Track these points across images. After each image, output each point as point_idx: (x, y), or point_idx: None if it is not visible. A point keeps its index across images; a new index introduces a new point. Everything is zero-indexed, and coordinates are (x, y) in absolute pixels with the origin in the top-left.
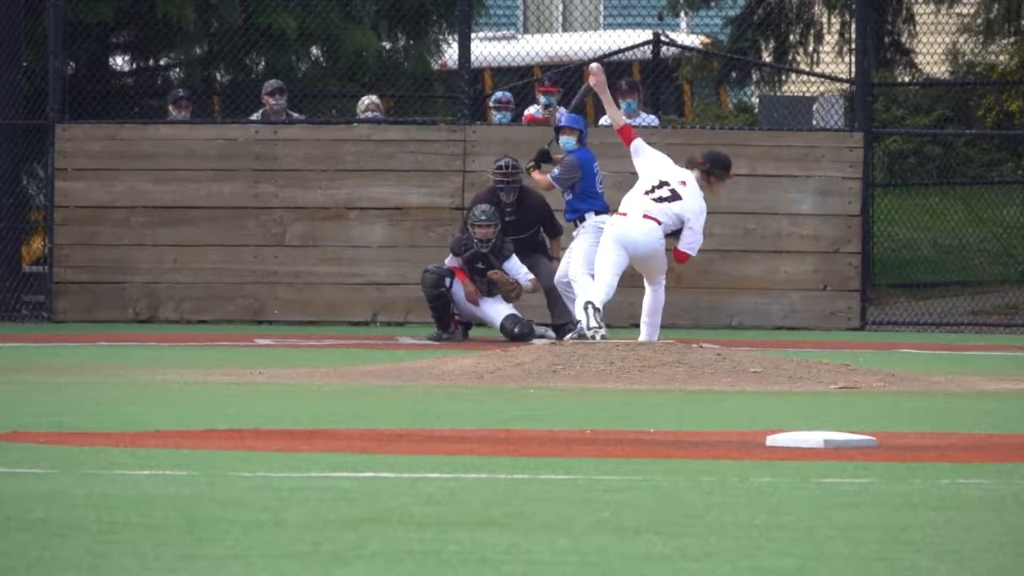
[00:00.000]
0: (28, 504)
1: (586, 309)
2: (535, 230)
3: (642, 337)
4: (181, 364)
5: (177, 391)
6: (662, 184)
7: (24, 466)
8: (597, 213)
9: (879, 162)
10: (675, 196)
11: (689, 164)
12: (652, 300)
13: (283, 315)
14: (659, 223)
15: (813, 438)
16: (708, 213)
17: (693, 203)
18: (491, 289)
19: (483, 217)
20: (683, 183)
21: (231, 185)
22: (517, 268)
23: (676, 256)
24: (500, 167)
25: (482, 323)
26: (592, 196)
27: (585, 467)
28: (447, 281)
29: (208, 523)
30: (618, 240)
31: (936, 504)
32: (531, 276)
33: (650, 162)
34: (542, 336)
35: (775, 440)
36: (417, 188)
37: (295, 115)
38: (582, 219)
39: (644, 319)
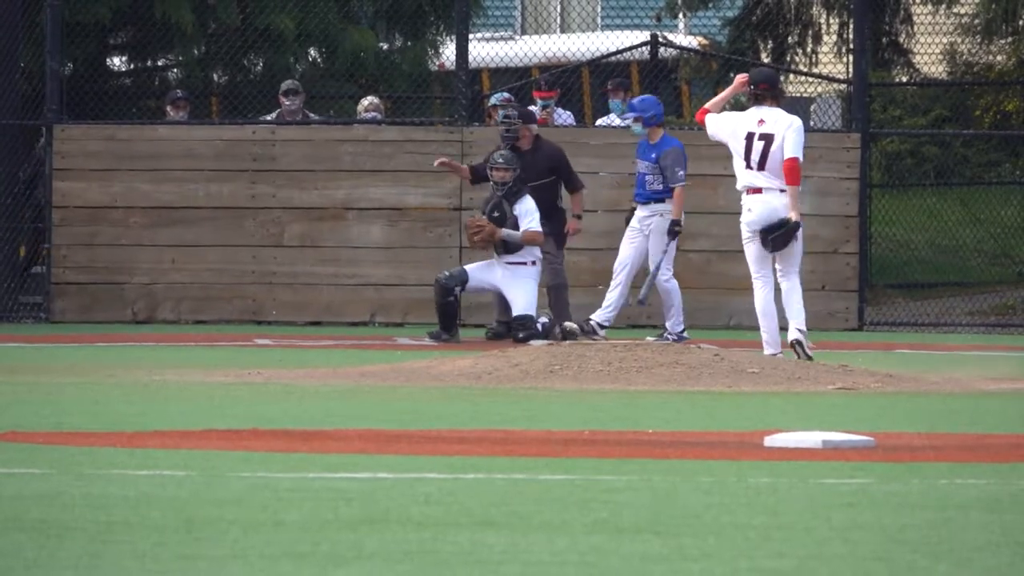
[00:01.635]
0: (26, 504)
1: (794, 347)
2: (549, 181)
3: (790, 335)
4: (179, 364)
5: (175, 391)
6: (748, 141)
7: (22, 466)
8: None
9: (876, 163)
10: (767, 140)
11: (754, 98)
12: (786, 293)
13: (281, 316)
14: (778, 189)
15: (811, 438)
16: (706, 213)
17: (781, 126)
18: (508, 246)
19: (501, 161)
20: (761, 121)
21: (229, 186)
22: (529, 212)
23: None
24: (502, 117)
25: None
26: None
27: (583, 467)
28: (457, 290)
29: (206, 523)
30: (749, 227)
31: (934, 504)
32: (536, 228)
33: (724, 129)
34: (573, 332)
35: (773, 440)
36: (415, 189)
37: (312, 116)
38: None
39: (790, 315)
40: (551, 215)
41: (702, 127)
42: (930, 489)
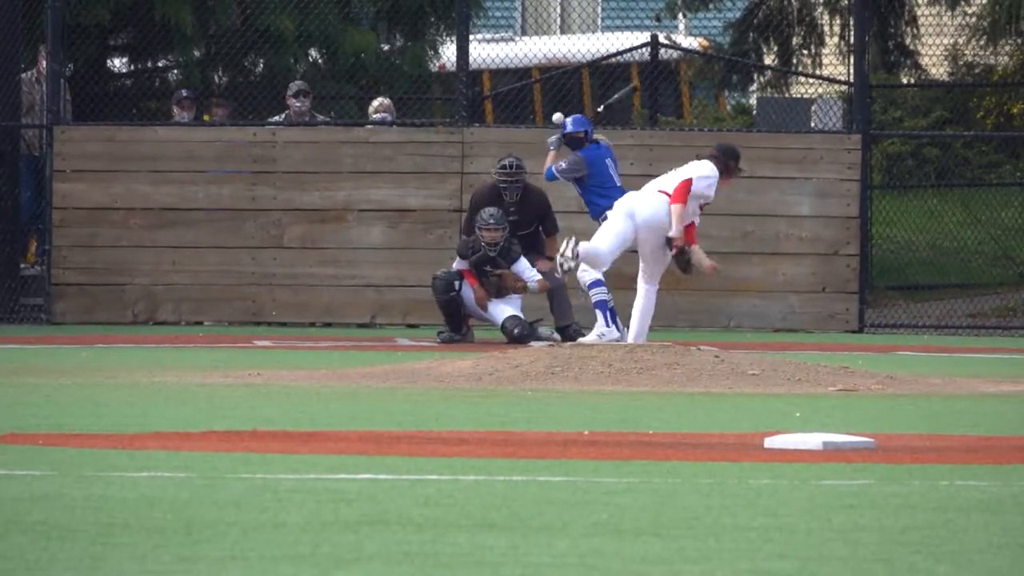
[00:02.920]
0: (27, 506)
1: (570, 252)
2: (536, 226)
3: (629, 339)
4: (180, 366)
5: (175, 393)
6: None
7: (23, 468)
8: None
9: (877, 164)
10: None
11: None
12: (644, 302)
13: (281, 317)
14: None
15: (812, 440)
16: (706, 215)
17: (703, 170)
18: (500, 291)
19: (491, 221)
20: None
21: (229, 187)
22: (525, 269)
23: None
24: (504, 167)
25: (485, 321)
26: (610, 189)
27: (583, 469)
28: (457, 284)
29: (207, 525)
30: (625, 210)
31: (934, 506)
32: (539, 277)
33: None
34: (548, 338)
35: (773, 442)
36: (416, 190)
37: (320, 116)
38: (606, 217)
39: (634, 322)
40: (537, 248)
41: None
42: (931, 491)
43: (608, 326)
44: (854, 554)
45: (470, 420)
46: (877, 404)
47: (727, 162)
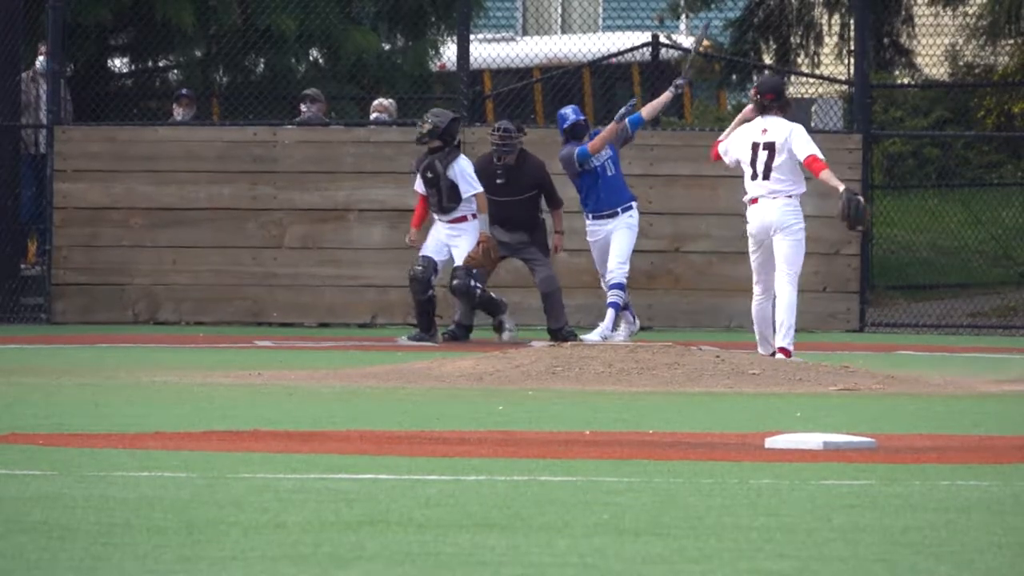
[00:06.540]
0: (27, 506)
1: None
2: (531, 195)
3: (777, 340)
4: (180, 366)
5: (176, 393)
6: (753, 151)
7: (23, 468)
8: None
9: (878, 164)
10: (770, 149)
11: (759, 109)
12: (786, 297)
13: (282, 317)
14: (779, 194)
15: (812, 440)
16: (707, 215)
17: (782, 133)
18: (448, 211)
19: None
20: (764, 130)
21: (230, 187)
22: (464, 172)
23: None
24: (495, 128)
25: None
26: (616, 183)
27: (584, 469)
28: (433, 280)
29: (207, 525)
30: (752, 236)
31: (935, 506)
32: (479, 189)
33: (735, 146)
34: (508, 330)
35: (774, 442)
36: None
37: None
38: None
39: (779, 319)
40: (534, 226)
41: (718, 161)
42: (932, 491)
43: (612, 330)
44: (855, 554)
45: (471, 420)
46: (878, 404)
47: (783, 98)
